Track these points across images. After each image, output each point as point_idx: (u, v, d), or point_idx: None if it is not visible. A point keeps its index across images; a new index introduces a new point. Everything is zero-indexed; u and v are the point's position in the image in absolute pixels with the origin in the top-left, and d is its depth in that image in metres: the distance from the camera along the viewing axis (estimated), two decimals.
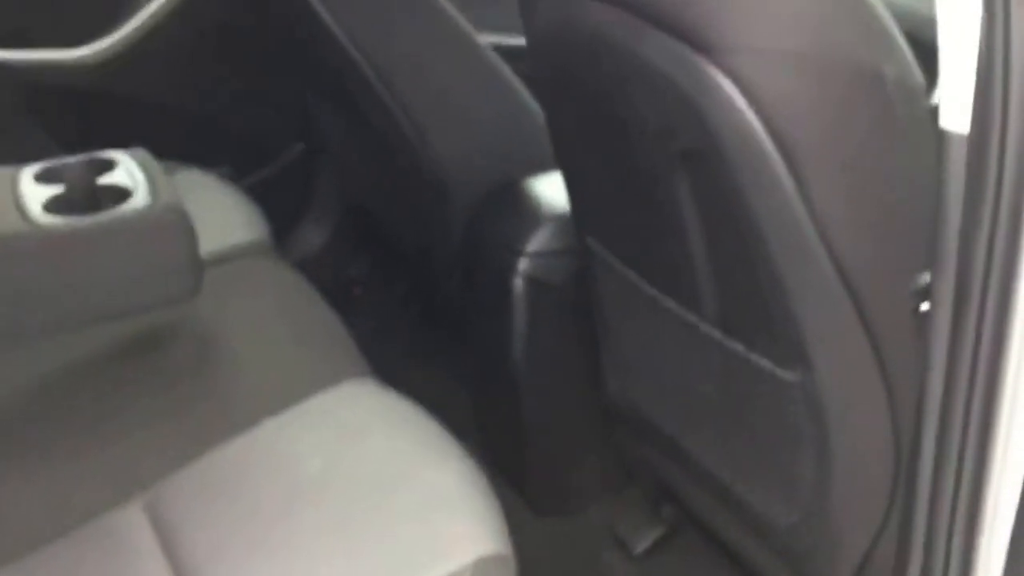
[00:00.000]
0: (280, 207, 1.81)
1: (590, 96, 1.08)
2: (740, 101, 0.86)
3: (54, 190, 1.25)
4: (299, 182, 2.05)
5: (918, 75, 0.90)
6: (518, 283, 1.43)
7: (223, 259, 1.45)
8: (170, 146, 1.86)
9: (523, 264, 1.42)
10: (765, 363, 1.02)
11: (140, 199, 1.23)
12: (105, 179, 1.28)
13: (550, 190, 1.48)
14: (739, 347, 1.05)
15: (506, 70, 1.53)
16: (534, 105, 1.56)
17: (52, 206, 1.22)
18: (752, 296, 0.98)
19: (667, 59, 0.91)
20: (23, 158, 1.83)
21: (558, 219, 1.42)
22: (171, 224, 1.22)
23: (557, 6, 1.06)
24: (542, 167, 1.54)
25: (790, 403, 1.01)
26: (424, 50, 1.51)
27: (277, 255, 1.58)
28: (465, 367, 1.66)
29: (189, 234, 1.23)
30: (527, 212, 1.46)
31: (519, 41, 1.18)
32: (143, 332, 1.30)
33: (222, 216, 1.56)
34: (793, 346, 0.96)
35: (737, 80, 0.86)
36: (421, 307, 1.99)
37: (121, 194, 1.25)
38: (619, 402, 1.35)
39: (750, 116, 0.86)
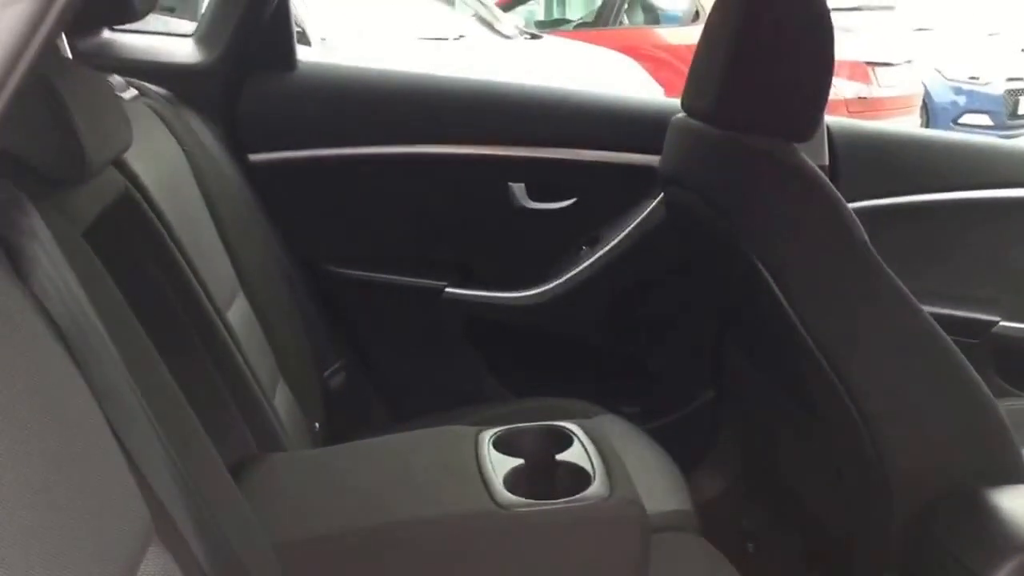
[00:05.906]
0: (679, 451, 1.77)
1: None
2: None
3: (513, 462, 1.26)
4: (703, 428, 2.00)
5: None
6: None
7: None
8: (586, 382, 1.89)
9: None
10: None
11: (598, 486, 1.21)
12: (563, 456, 1.28)
13: (1019, 510, 1.33)
14: None
15: (964, 361, 1.41)
16: (994, 403, 1.44)
17: (512, 481, 1.23)
18: None
19: None
20: (461, 382, 1.95)
21: None
22: (628, 519, 1.20)
23: None
24: (1000, 477, 1.41)
25: None
26: (880, 339, 1.43)
27: (699, 529, 1.52)
28: None
29: (644, 530, 1.19)
30: (992, 534, 1.32)
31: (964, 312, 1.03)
32: None
33: (648, 478, 1.53)
34: None
35: None
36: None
37: (579, 476, 1.24)
38: None
39: None
